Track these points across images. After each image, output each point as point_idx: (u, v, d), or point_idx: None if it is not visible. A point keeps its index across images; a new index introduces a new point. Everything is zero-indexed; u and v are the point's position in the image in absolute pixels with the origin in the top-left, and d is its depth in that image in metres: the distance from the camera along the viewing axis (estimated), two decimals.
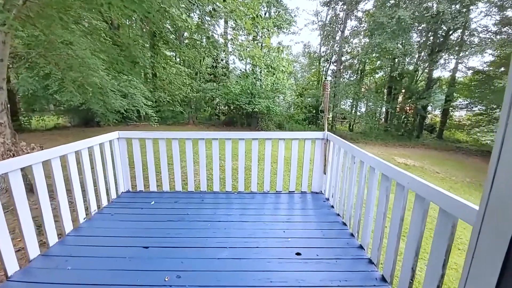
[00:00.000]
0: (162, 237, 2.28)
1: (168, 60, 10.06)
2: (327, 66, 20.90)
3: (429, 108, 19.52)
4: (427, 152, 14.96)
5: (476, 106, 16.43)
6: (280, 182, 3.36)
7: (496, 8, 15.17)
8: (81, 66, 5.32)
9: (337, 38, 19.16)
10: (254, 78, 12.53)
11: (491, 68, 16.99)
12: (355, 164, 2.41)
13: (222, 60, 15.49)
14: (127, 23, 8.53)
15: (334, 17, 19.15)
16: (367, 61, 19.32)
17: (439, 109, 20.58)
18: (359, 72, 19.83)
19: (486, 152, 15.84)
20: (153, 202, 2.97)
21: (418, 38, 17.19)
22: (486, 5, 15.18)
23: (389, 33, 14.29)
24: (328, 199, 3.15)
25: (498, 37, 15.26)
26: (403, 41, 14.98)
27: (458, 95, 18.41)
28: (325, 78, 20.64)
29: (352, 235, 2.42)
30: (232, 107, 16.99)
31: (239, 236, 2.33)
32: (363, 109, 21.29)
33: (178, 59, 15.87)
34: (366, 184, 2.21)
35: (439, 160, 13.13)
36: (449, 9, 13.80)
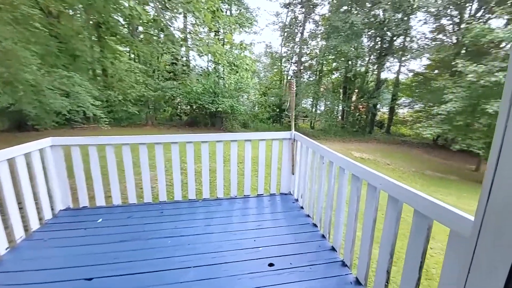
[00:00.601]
0: (111, 264, 1.89)
1: (117, 55, 9.05)
2: (289, 67, 21.40)
3: (379, 106, 21.31)
4: (378, 146, 16.30)
5: (417, 104, 18.43)
6: (248, 185, 3.16)
7: (433, 17, 17.18)
8: (8, 59, 4.42)
9: (297, 39, 19.71)
10: (217, 76, 12.06)
11: (427, 71, 19.24)
12: (324, 164, 2.33)
13: (182, 57, 14.72)
14: (69, 12, 7.44)
15: (294, 19, 19.66)
16: (324, 62, 20.28)
17: (386, 107, 22.61)
18: (317, 72, 20.71)
19: (426, 144, 17.90)
20: (100, 220, 2.51)
21: (368, 43, 18.58)
22: (424, 14, 17.08)
23: (343, 37, 15.14)
24: (297, 200, 3.06)
25: (433, 43, 17.31)
26: (356, 44, 16.01)
27: (401, 94, 20.44)
28: (287, 78, 21.13)
29: (323, 236, 2.34)
30: (194, 107, 16.30)
31: (205, 252, 2.06)
32: (322, 108, 22.33)
33: (132, 55, 14.61)
34: (336, 185, 2.13)
35: (389, 153, 14.38)
36: (393, 17, 15.16)
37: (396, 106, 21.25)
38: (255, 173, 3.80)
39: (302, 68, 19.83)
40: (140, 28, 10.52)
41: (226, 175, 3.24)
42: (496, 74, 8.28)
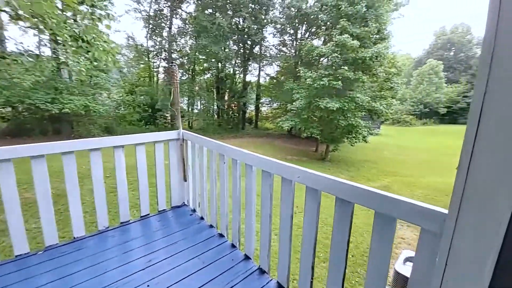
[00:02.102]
0: None
1: None
2: (158, 63, 19.42)
3: (248, 105, 23.74)
4: (250, 140, 18.17)
5: (275, 103, 22.03)
6: (125, 208, 2.31)
7: (278, 33, 20.84)
8: None
9: (165, 34, 18.15)
10: (57, 62, 8.32)
11: (279, 76, 23.37)
12: (225, 164, 1.99)
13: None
14: None
15: (159, 12, 17.90)
16: (196, 61, 19.99)
17: (253, 105, 25.62)
18: (190, 71, 20.12)
19: (284, 135, 21.83)
20: None
21: (234, 47, 20.02)
22: (273, 29, 20.40)
23: (212, 37, 15.40)
24: (194, 211, 2.55)
25: (280, 53, 21.12)
26: (224, 47, 16.78)
27: (263, 95, 23.77)
28: (157, 75, 19.12)
29: (233, 246, 2.01)
30: (21, 108, 11.39)
31: None
32: (198, 107, 22.06)
33: None
34: (243, 184, 1.86)
35: (259, 145, 16.34)
36: (252, 26, 17.08)
37: (260, 104, 24.49)
38: (133, 189, 2.92)
39: (172, 65, 18.49)
40: None
41: (86, 199, 2.20)
42: (323, 79, 11.11)
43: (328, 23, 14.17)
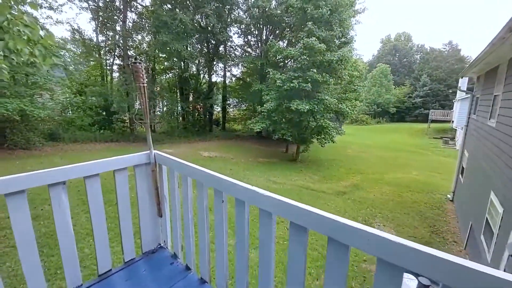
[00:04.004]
0: None
1: None
2: (112, 60, 17.36)
3: (214, 106, 22.83)
4: (219, 143, 17.41)
5: (243, 104, 21.55)
6: (75, 267, 1.59)
7: (243, 34, 20.38)
8: None
9: (118, 28, 16.24)
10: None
11: (245, 76, 22.96)
12: (224, 203, 1.45)
13: None
14: None
15: (110, 3, 15.94)
16: (156, 59, 18.41)
17: (218, 107, 24.77)
18: (150, 70, 18.44)
19: (253, 136, 21.49)
20: None
21: (198, 45, 18.96)
22: (237, 29, 19.86)
23: (174, 34, 14.25)
24: (176, 256, 1.93)
25: (245, 54, 20.70)
26: (187, 44, 15.70)
27: (230, 96, 23.12)
28: (112, 73, 17.11)
29: None
30: None
31: None
32: (161, 109, 20.46)
33: None
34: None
35: (229, 148, 15.73)
36: (216, 25, 16.30)
37: (227, 105, 23.77)
38: (86, 240, 2.17)
39: (129, 63, 16.73)
40: None
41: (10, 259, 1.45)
42: (293, 81, 11.01)
43: (293, 25, 14.22)
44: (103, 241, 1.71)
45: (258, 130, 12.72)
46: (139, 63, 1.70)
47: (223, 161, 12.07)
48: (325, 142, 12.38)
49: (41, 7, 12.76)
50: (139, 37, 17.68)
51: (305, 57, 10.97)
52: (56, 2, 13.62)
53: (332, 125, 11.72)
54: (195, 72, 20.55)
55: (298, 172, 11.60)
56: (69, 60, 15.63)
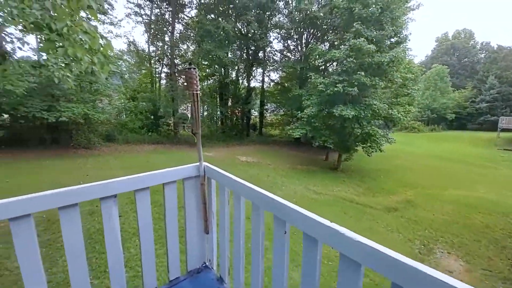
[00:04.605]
0: None
1: None
2: (160, 68, 18.79)
3: (252, 111, 23.04)
4: (256, 148, 17.37)
5: (281, 109, 21.28)
6: (121, 278, 1.49)
7: (282, 39, 20.26)
8: None
9: (167, 39, 17.56)
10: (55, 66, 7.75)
11: (283, 81, 22.71)
12: (286, 234, 1.20)
13: None
14: None
15: (160, 16, 17.36)
16: (199, 67, 19.36)
17: (256, 111, 24.92)
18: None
19: (290, 142, 21.01)
20: None
21: (238, 52, 19.42)
22: (277, 34, 19.83)
23: (217, 42, 14.76)
24: (222, 280, 1.73)
25: (285, 58, 20.48)
26: (229, 51, 16.15)
27: (267, 101, 23.09)
28: (160, 81, 18.49)
29: None
30: (17, 115, 10.67)
31: None
32: (202, 114, 21.37)
33: None
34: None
35: (266, 153, 15.55)
36: (257, 31, 16.46)
37: (265, 110, 23.79)
38: (133, 252, 2.12)
39: (176, 71, 17.89)
40: None
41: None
42: (337, 85, 10.37)
43: (338, 27, 13.53)
44: (150, 258, 1.60)
45: (297, 136, 12.29)
46: (194, 69, 1.58)
47: (260, 167, 11.92)
48: (372, 151, 11.35)
49: (103, 23, 14.44)
50: (185, 46, 18.85)
51: (352, 59, 10.25)
52: (116, 18, 15.32)
53: (380, 132, 10.68)
54: (234, 78, 21.06)
55: (340, 182, 10.81)
56: (125, 69, 17.40)
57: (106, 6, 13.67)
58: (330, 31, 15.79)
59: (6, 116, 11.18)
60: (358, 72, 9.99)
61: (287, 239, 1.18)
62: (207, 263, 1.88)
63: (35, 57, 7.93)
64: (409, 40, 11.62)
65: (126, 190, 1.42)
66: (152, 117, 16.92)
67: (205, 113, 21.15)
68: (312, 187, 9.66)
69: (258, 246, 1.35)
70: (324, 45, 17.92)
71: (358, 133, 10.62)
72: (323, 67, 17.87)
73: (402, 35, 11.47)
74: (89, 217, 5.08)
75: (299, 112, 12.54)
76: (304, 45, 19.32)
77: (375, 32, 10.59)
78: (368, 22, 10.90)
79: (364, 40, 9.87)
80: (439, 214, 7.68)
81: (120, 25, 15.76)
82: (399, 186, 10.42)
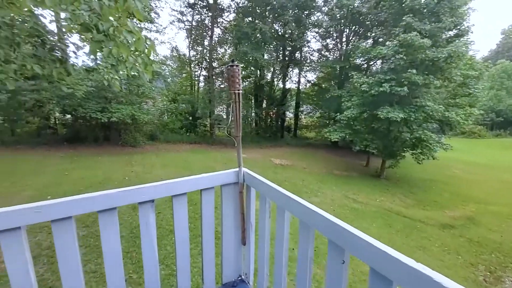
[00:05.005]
0: None
1: None
2: (199, 72, 19.64)
3: (287, 112, 22.69)
4: (290, 150, 16.96)
5: (317, 111, 20.53)
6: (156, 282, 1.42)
7: (320, 37, 19.56)
8: None
9: (206, 43, 18.28)
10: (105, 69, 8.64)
11: (320, 82, 21.89)
12: (345, 264, 0.98)
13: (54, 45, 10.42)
14: None
15: (201, 22, 18.15)
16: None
17: (290, 113, 24.47)
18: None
19: (326, 145, 20.13)
20: None
21: (275, 53, 19.30)
22: (315, 34, 19.22)
23: (254, 44, 14.84)
24: None
25: (323, 58, 19.71)
26: (265, 52, 16.13)
27: (303, 102, 22.51)
28: (199, 83, 19.32)
29: None
30: (77, 116, 12.10)
31: None
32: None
33: None
34: None
35: (301, 156, 15.05)
36: (294, 31, 16.13)
37: (300, 112, 23.24)
38: (169, 250, 2.09)
39: (213, 73, 18.51)
40: None
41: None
42: (383, 84, 9.52)
43: (385, 21, 12.48)
44: (185, 268, 1.51)
45: (335, 140, 11.63)
46: (236, 66, 1.44)
47: (295, 170, 11.55)
48: (423, 158, 10.15)
49: (150, 31, 15.63)
50: (222, 49, 19.41)
51: (401, 55, 9.31)
52: (161, 26, 16.47)
53: (434, 137, 9.48)
54: (269, 79, 20.98)
55: (383, 191, 9.89)
56: (168, 73, 18.62)
57: (153, 15, 14.78)
58: (374, 27, 14.69)
59: (68, 116, 12.76)
60: (409, 70, 9.01)
61: (345, 270, 0.96)
62: (243, 277, 1.73)
63: (88, 62, 8.89)
64: (471, 32, 10.13)
65: (163, 196, 1.34)
66: (190, 118, 17.75)
67: (240, 114, 21.43)
68: (351, 195, 8.99)
69: (305, 271, 1.15)
70: (366, 43, 16.79)
71: (407, 138, 9.57)
72: (365, 65, 16.74)
73: (463, 27, 10.05)
74: (132, 211, 5.40)
75: (337, 114, 11.86)
76: (344, 43, 18.35)
77: (429, 25, 9.46)
78: (421, 14, 9.81)
79: (416, 35, 8.87)
80: (508, 235, 6.46)
81: (164, 32, 16.87)
82: (456, 200, 9.11)
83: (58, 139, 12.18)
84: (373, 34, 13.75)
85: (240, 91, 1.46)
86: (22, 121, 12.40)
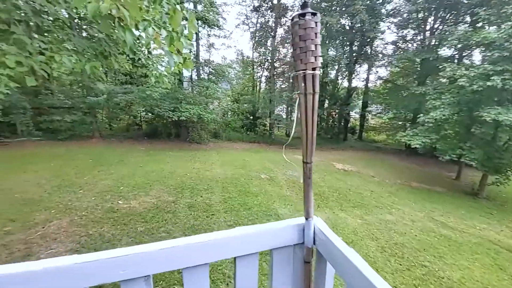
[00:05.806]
0: None
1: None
2: (261, 72, 19.53)
3: (351, 113, 20.40)
4: (355, 154, 14.98)
5: (388, 112, 17.59)
6: None
7: (397, 28, 16.61)
8: None
9: (269, 44, 17.93)
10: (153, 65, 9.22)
11: (394, 78, 18.71)
12: None
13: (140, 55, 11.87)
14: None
15: (264, 24, 17.90)
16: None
17: (356, 113, 21.88)
18: (290, 78, 19.11)
19: (398, 150, 17.09)
20: None
21: (341, 49, 17.46)
22: (389, 24, 16.44)
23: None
24: None
25: (400, 51, 16.69)
26: (332, 48, 14.66)
27: (372, 102, 19.75)
28: (260, 84, 19.24)
29: None
30: (155, 114, 13.55)
31: None
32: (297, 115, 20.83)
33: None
34: None
35: (367, 162, 13.03)
36: (367, 21, 14.05)
37: (367, 113, 20.54)
38: None
39: (275, 74, 18.05)
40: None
41: None
42: (492, 77, 7.06)
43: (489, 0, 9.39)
44: None
45: (417, 145, 9.47)
46: (314, 15, 0.74)
47: (361, 178, 9.94)
48: None
49: (219, 37, 16.22)
50: (284, 50, 18.72)
51: None
52: (228, 31, 16.94)
53: None
54: (333, 77, 19.18)
55: (485, 215, 7.41)
56: (233, 76, 19.15)
57: (221, 21, 15.25)
58: (473, 8, 11.35)
59: (150, 114, 14.41)
60: None
61: None
62: None
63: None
64: None
65: (164, 271, 0.76)
66: (251, 117, 17.81)
67: (298, 115, 20.41)
68: (438, 217, 6.99)
69: None
70: (457, 29, 13.27)
71: None
72: (457, 56, 13.28)
73: None
74: (188, 210, 5.33)
75: (418, 115, 9.62)
76: (428, 31, 15.05)
77: None
78: None
79: None
80: None
81: (231, 37, 17.33)
82: None
83: (141, 134, 13.90)
84: (470, 18, 10.62)
85: (317, 92, 0.75)
86: (117, 118, 14.69)
